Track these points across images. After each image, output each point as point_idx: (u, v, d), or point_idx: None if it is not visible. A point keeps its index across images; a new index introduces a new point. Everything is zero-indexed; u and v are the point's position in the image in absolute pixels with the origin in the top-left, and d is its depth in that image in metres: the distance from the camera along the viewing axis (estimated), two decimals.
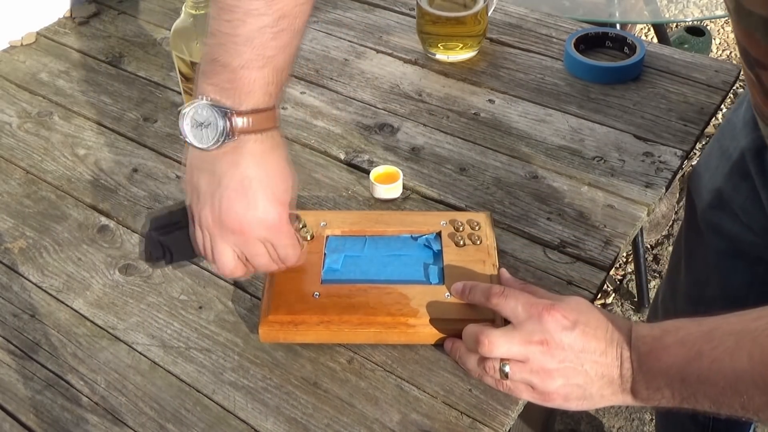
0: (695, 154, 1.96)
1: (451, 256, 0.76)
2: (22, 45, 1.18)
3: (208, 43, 0.64)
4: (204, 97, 0.64)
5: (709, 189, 0.94)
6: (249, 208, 0.64)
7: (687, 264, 1.03)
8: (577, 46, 1.06)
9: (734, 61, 2.53)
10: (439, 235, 0.79)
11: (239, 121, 0.63)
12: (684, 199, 1.06)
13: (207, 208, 0.65)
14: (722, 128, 0.94)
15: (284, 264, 0.70)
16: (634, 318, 1.80)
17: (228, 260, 0.67)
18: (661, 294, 1.14)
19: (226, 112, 0.62)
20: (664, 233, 2.00)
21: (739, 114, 0.89)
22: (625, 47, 1.07)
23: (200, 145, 0.64)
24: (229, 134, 0.63)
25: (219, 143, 0.63)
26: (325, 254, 0.77)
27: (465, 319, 0.70)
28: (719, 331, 0.58)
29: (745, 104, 0.88)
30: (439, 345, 0.72)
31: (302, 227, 0.79)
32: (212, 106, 0.63)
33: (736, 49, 2.79)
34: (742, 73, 0.74)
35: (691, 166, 1.90)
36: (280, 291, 0.73)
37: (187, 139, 0.64)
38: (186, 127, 0.64)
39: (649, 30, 2.54)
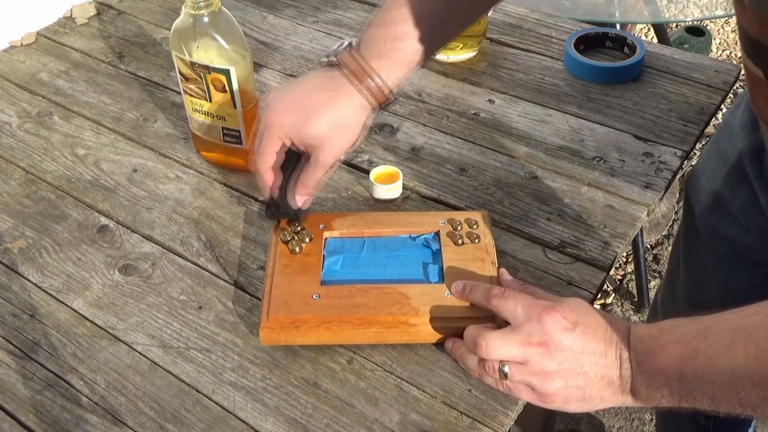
0: (695, 154, 1.95)
1: (450, 255, 0.76)
2: (22, 45, 1.18)
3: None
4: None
5: (707, 192, 0.94)
6: (276, 93, 0.78)
7: (686, 267, 1.03)
8: (577, 46, 1.06)
9: (734, 61, 2.53)
10: (437, 234, 0.79)
11: (342, 52, 0.76)
12: (682, 201, 1.05)
13: None
14: (719, 131, 0.94)
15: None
16: (634, 318, 1.80)
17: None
18: (661, 296, 1.14)
19: (348, 45, 0.76)
20: (664, 233, 2.00)
21: (737, 116, 0.89)
22: (625, 47, 1.07)
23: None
24: (333, 54, 0.76)
25: (327, 57, 0.77)
26: (324, 256, 0.77)
27: (466, 318, 0.70)
28: (715, 329, 0.58)
29: (743, 106, 0.88)
30: (439, 345, 0.72)
31: (300, 230, 0.79)
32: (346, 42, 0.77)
33: (736, 49, 2.78)
34: (742, 72, 0.73)
35: (691, 166, 1.90)
36: (279, 293, 0.73)
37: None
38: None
39: (649, 30, 2.54)
